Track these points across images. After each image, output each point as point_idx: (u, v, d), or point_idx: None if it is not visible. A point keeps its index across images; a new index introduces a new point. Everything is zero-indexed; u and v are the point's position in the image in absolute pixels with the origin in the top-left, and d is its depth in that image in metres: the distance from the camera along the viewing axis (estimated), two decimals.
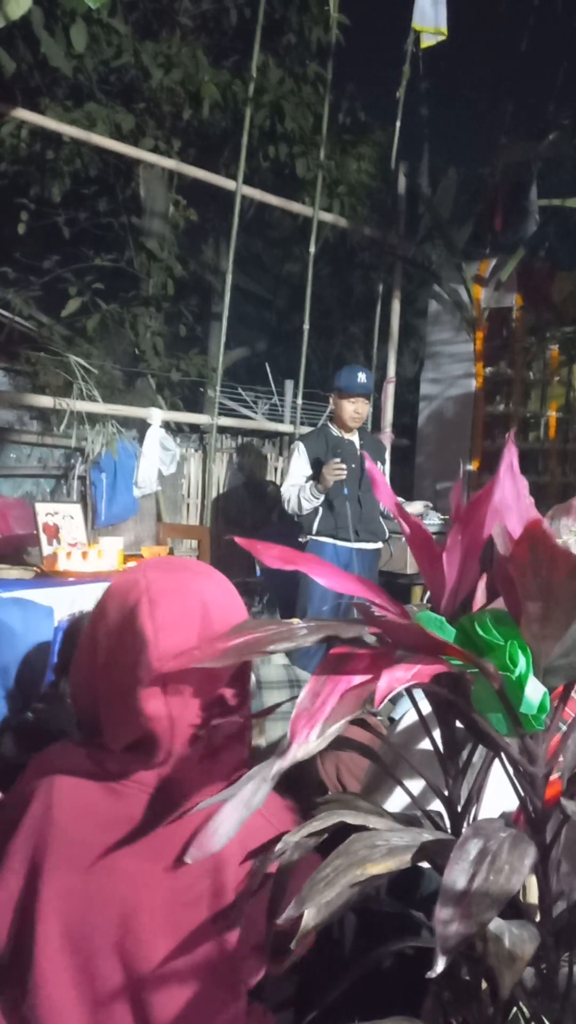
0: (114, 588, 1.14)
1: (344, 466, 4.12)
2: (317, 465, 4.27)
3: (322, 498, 4.23)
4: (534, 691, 0.91)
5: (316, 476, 4.23)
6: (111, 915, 1.05)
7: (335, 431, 4.42)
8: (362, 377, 4.35)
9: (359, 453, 4.36)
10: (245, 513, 6.08)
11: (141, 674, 1.04)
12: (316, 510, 4.28)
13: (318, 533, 4.30)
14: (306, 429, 4.68)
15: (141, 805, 1.08)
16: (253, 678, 2.79)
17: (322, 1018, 1.08)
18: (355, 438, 4.44)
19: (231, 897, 1.05)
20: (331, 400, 4.44)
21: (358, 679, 0.85)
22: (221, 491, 6.08)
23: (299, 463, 4.36)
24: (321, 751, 1.93)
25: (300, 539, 4.36)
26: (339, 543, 4.27)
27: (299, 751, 0.82)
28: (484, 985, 1.08)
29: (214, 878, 1.06)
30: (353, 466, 4.27)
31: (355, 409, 4.34)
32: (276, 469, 6.59)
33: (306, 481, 4.27)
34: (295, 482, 4.31)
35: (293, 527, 4.55)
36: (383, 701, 0.79)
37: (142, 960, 1.04)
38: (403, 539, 1.20)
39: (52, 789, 1.11)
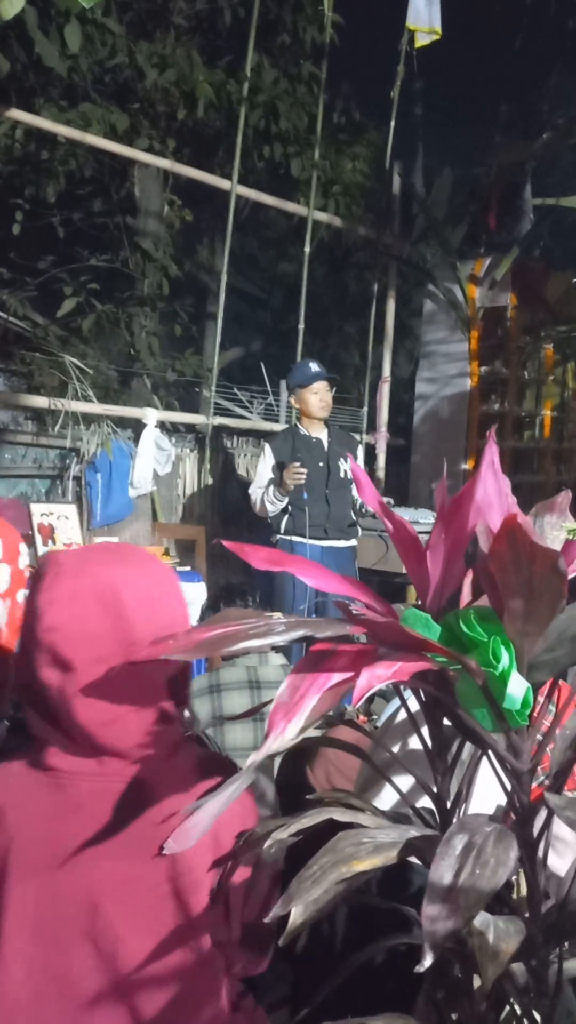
0: (40, 559, 1.18)
1: (303, 470, 4.10)
2: (282, 467, 4.28)
3: (285, 501, 4.22)
4: (517, 687, 0.91)
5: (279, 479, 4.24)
6: (78, 906, 1.05)
7: (303, 431, 4.41)
8: (313, 366, 4.37)
9: (326, 451, 4.37)
10: (240, 513, 6.08)
11: (31, 644, 1.08)
12: (285, 510, 4.28)
13: (287, 532, 4.30)
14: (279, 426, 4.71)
15: (85, 794, 1.08)
16: (248, 676, 2.79)
17: (315, 1015, 1.08)
18: (324, 436, 4.43)
19: (206, 888, 1.05)
20: (292, 400, 4.43)
21: (338, 676, 0.86)
22: (216, 491, 6.08)
23: (264, 465, 4.38)
24: (310, 760, 1.93)
25: (271, 540, 4.36)
26: (309, 542, 4.26)
27: (275, 743, 0.82)
28: (477, 982, 1.09)
29: (182, 868, 1.07)
30: (320, 464, 4.28)
31: (319, 398, 4.33)
32: None
33: (268, 485, 4.28)
34: (261, 484, 4.32)
35: None
36: (362, 698, 0.80)
37: (116, 953, 1.04)
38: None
39: None
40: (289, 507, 4.27)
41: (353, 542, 4.48)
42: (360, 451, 4.82)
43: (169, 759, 1.11)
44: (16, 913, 1.05)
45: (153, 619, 1.10)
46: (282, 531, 4.31)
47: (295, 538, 4.28)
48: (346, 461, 4.36)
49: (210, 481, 5.94)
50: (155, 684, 1.10)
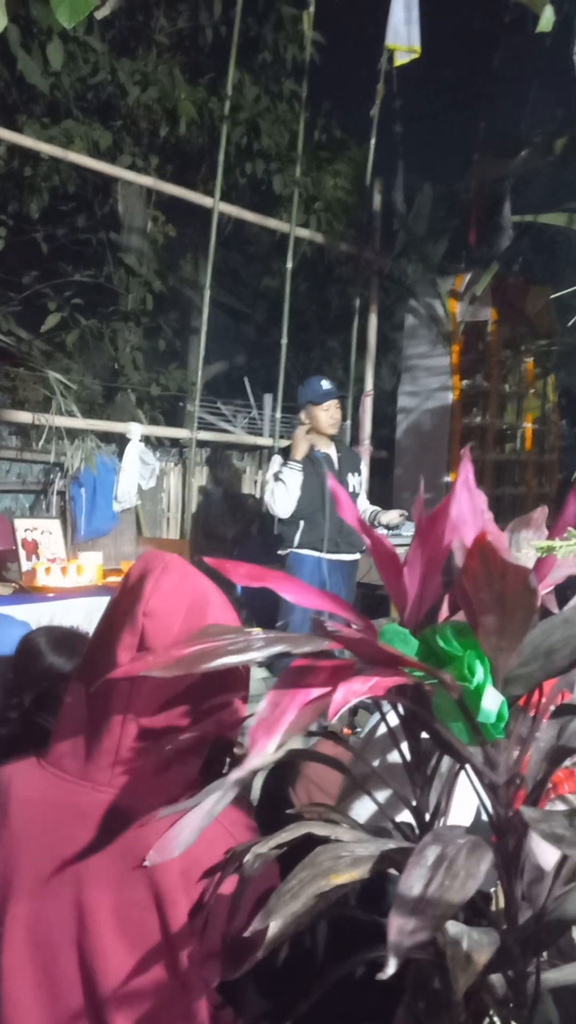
0: (142, 556, 1.25)
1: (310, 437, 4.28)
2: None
3: (300, 468, 4.27)
4: (492, 700, 0.93)
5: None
6: (71, 914, 1.07)
7: (312, 447, 4.46)
8: (325, 383, 4.45)
9: (336, 467, 4.43)
10: (225, 527, 6.09)
11: (121, 620, 1.15)
12: (297, 523, 4.32)
13: (299, 546, 4.35)
14: (285, 443, 4.72)
15: (93, 803, 1.09)
16: None
17: None
18: (332, 451, 4.49)
19: (183, 904, 1.06)
20: (303, 416, 4.47)
21: (317, 691, 0.87)
22: (201, 505, 6.09)
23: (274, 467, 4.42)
24: (292, 779, 1.94)
25: (280, 551, 4.40)
26: (320, 555, 4.33)
27: (256, 760, 0.84)
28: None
29: (166, 882, 1.08)
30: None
31: (329, 415, 4.40)
32: (255, 483, 6.61)
33: (276, 481, 4.31)
34: (271, 482, 4.38)
35: (272, 540, 4.58)
36: (338, 713, 0.81)
37: (98, 963, 1.05)
38: None
39: (6, 786, 1.15)
40: (301, 521, 4.31)
41: (358, 555, 4.55)
42: (365, 468, 4.89)
43: (170, 774, 1.12)
44: (16, 915, 1.07)
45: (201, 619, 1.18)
46: (295, 544, 4.36)
47: (307, 551, 4.33)
48: (355, 476, 4.51)
49: (194, 495, 5.95)
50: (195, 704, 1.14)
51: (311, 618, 0.97)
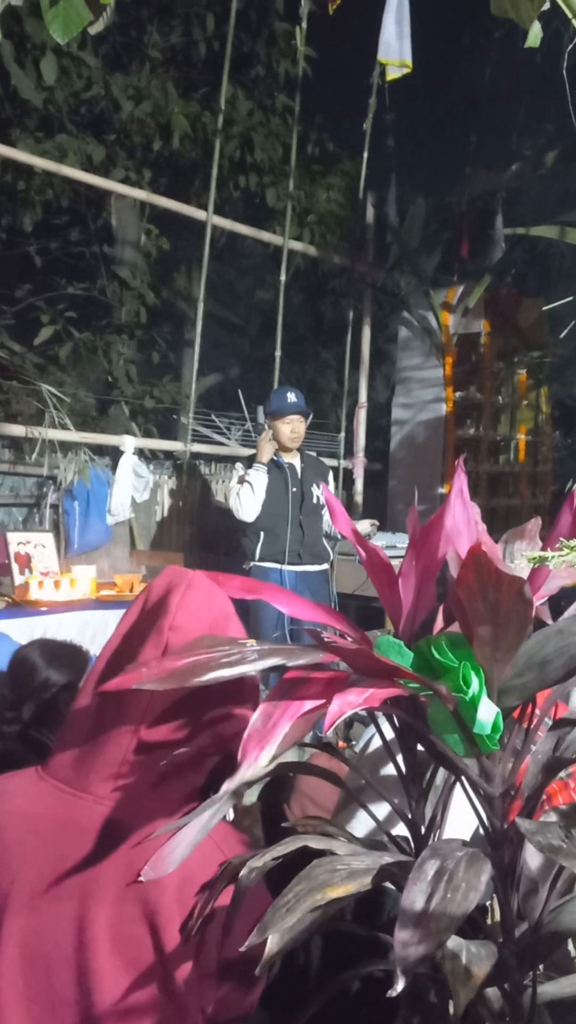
0: (165, 572, 1.25)
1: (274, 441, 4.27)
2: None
3: (265, 470, 4.27)
4: (487, 712, 0.93)
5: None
6: (67, 932, 1.05)
7: (276, 457, 4.45)
8: (291, 396, 4.40)
9: (299, 478, 4.41)
10: (219, 539, 6.08)
11: (145, 633, 1.14)
12: (258, 535, 4.30)
13: (261, 559, 4.32)
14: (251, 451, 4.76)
15: (94, 816, 1.09)
16: None
17: None
18: (296, 462, 4.47)
19: (177, 919, 1.05)
20: (266, 426, 4.45)
21: (311, 703, 0.87)
22: (195, 518, 6.08)
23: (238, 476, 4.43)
24: (287, 795, 1.93)
25: (244, 566, 4.37)
26: (283, 567, 4.29)
27: (248, 772, 0.83)
28: (453, 1008, 1.09)
29: (160, 900, 1.07)
30: (294, 490, 4.32)
31: (291, 429, 4.37)
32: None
33: (240, 484, 4.32)
34: (235, 487, 4.37)
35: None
36: (333, 724, 0.81)
37: (91, 984, 1.04)
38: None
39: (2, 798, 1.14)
40: (261, 533, 4.29)
41: (325, 566, 4.52)
42: (330, 478, 4.88)
43: (170, 789, 1.12)
44: (11, 930, 1.06)
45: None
46: (256, 557, 4.32)
47: (270, 564, 4.30)
48: (319, 487, 4.41)
49: (188, 508, 5.94)
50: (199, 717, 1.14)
51: (308, 630, 0.97)
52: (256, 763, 0.83)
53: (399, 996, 0.82)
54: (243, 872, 0.95)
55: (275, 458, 4.42)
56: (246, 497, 4.26)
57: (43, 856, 1.08)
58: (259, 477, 4.28)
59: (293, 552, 4.29)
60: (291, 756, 0.90)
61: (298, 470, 4.44)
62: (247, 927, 1.08)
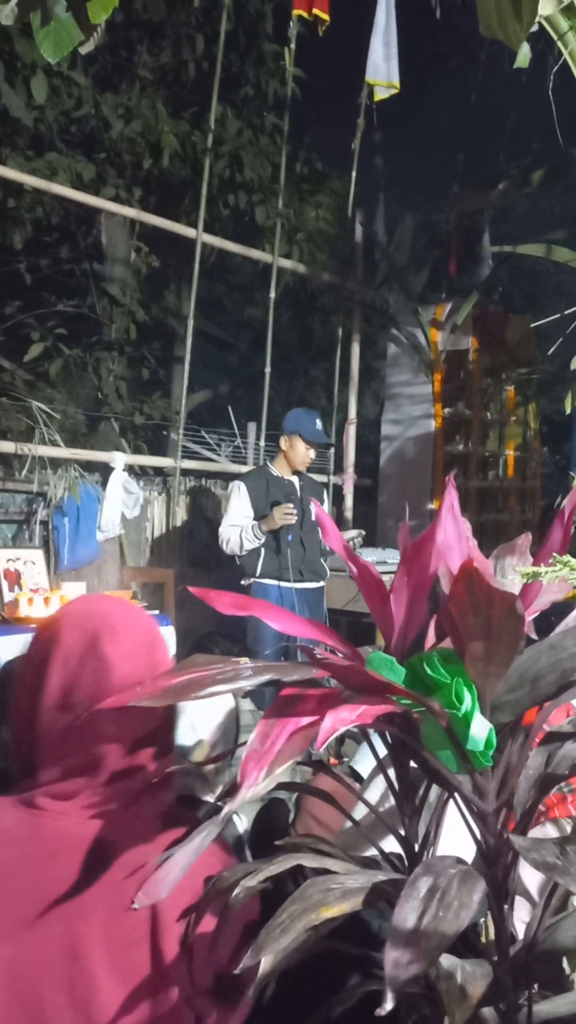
0: (67, 620, 1.16)
1: (294, 510, 4.15)
2: (257, 506, 4.29)
3: (264, 539, 4.24)
4: (480, 728, 0.92)
5: (258, 517, 4.25)
6: (57, 955, 1.04)
7: (275, 472, 4.44)
8: (319, 425, 4.44)
9: (299, 495, 4.41)
10: (209, 555, 6.07)
11: (101, 698, 1.06)
12: (259, 552, 4.29)
13: (262, 575, 4.30)
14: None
15: (66, 838, 1.07)
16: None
17: None
18: (296, 480, 4.48)
19: (171, 937, 1.04)
20: (282, 441, 4.45)
21: (306, 720, 0.87)
22: (185, 534, 6.08)
23: (240, 503, 4.36)
24: (292, 818, 1.91)
25: (242, 582, 4.35)
26: (283, 584, 4.27)
27: (248, 792, 0.83)
28: None
29: (153, 918, 1.06)
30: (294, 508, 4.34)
31: (309, 454, 4.41)
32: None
33: (243, 523, 4.29)
34: (235, 522, 4.31)
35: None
36: (325, 742, 0.81)
37: (91, 1001, 1.03)
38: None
39: None
40: (263, 550, 4.28)
41: (323, 583, 4.52)
42: (324, 495, 4.89)
43: (141, 807, 1.11)
44: None
45: (161, 667, 1.15)
46: (257, 574, 4.30)
47: (270, 581, 4.28)
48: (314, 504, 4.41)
49: (179, 524, 5.94)
50: (140, 731, 1.11)
51: (300, 646, 0.97)
52: (256, 783, 0.83)
53: (392, 1017, 0.81)
54: (235, 892, 0.94)
55: (277, 474, 4.43)
56: (246, 545, 4.27)
57: (23, 880, 1.06)
58: (254, 543, 4.28)
59: (295, 569, 4.27)
60: (284, 775, 0.89)
61: (297, 487, 4.45)
62: (236, 941, 1.07)
